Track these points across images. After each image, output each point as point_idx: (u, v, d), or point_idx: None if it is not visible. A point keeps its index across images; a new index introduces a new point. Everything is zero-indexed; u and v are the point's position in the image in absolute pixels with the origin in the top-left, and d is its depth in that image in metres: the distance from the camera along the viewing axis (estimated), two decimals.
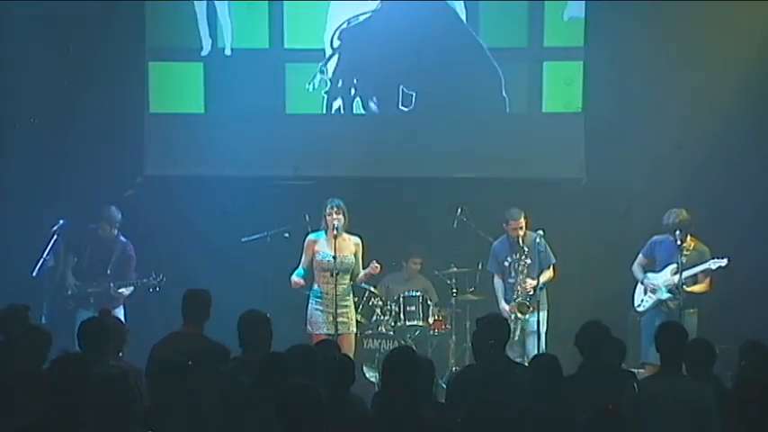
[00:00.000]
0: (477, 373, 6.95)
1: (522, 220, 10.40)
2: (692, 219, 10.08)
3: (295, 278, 9.93)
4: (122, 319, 9.56)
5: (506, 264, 10.50)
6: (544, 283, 10.42)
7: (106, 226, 10.47)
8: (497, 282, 10.59)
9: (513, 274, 10.47)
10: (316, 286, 9.98)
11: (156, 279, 10.36)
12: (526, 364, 8.09)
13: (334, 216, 9.85)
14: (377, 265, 10.02)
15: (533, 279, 10.32)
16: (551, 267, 10.51)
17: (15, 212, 11.28)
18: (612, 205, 11.62)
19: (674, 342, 6.47)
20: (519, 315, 10.29)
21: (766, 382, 5.54)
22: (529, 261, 10.39)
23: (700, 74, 11.38)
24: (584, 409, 5.70)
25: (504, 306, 10.39)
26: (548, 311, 10.44)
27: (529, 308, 10.29)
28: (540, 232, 10.30)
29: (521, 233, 10.39)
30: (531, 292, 10.31)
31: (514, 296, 10.40)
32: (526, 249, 10.38)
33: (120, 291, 10.36)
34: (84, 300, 10.32)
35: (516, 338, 10.08)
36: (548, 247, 10.46)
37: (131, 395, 5.37)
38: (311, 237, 10.05)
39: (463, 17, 11.84)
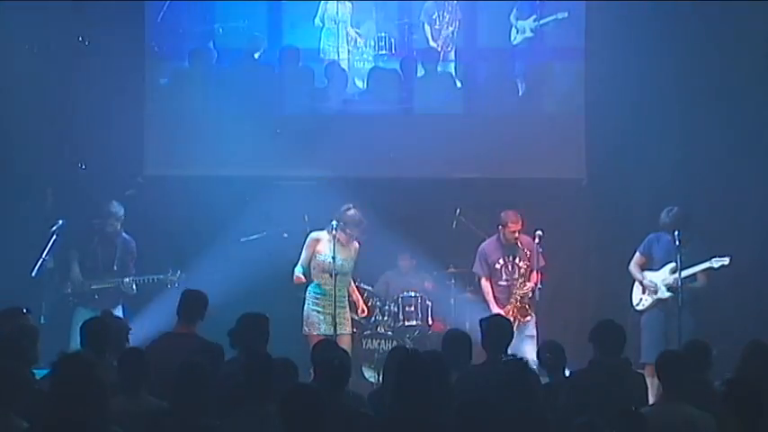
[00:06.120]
0: (481, 374, 6.95)
1: (520, 222, 10.34)
2: (689, 216, 10.05)
3: (298, 274, 9.99)
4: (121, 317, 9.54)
5: (498, 266, 10.39)
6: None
7: (113, 222, 10.44)
8: (486, 285, 10.45)
9: (504, 276, 10.38)
10: (312, 286, 10.00)
11: (175, 275, 10.34)
12: None
13: (357, 233, 9.98)
14: (365, 308, 10.54)
15: (529, 281, 10.25)
16: (538, 271, 10.41)
17: (15, 212, 11.28)
18: (612, 205, 11.61)
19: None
20: (521, 319, 10.20)
21: (758, 382, 5.57)
22: (522, 264, 10.35)
23: (700, 73, 11.37)
24: (594, 403, 5.75)
25: (498, 310, 10.14)
26: (535, 314, 10.40)
27: (528, 311, 10.24)
28: (540, 233, 10.25)
29: (518, 235, 10.34)
30: (530, 295, 10.25)
31: (511, 299, 10.27)
32: (520, 251, 10.34)
33: (133, 287, 10.33)
34: (87, 297, 10.29)
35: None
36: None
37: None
38: (314, 235, 10.09)
39: (459, 16, 11.88)
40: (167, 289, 10.26)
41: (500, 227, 10.38)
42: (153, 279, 10.37)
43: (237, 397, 5.97)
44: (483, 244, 10.53)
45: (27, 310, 7.65)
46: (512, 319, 10.12)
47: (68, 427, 5.01)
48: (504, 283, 10.37)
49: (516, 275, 10.29)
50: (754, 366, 6.50)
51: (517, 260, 10.32)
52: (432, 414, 5.74)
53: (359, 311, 10.51)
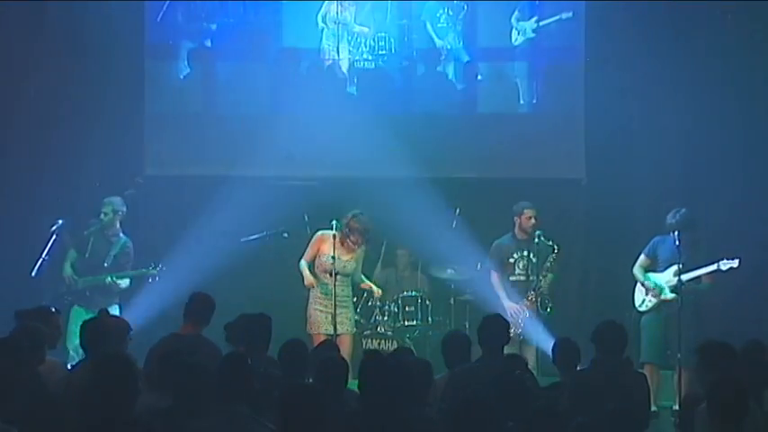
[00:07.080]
0: (480, 373, 6.95)
1: (534, 209, 10.34)
2: (695, 218, 10.03)
3: (308, 275, 9.97)
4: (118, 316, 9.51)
5: (512, 260, 10.41)
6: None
7: (108, 210, 10.42)
8: (496, 279, 10.47)
9: (516, 271, 10.39)
10: (316, 285, 10.01)
11: (155, 269, 10.31)
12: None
13: (362, 241, 9.98)
14: (379, 291, 10.38)
15: (543, 276, 10.26)
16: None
17: (15, 213, 11.28)
18: (612, 205, 11.61)
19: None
20: (541, 311, 10.18)
21: (741, 381, 5.57)
22: (535, 259, 10.35)
23: (700, 73, 11.37)
24: (595, 403, 5.75)
25: (511, 304, 10.23)
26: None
27: (548, 303, 10.24)
28: (539, 233, 10.24)
29: (534, 222, 10.30)
30: (548, 288, 10.27)
31: (529, 292, 10.27)
32: (534, 246, 10.28)
33: (118, 282, 10.28)
34: (81, 295, 10.27)
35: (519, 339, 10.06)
36: None
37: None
38: (321, 234, 10.10)
39: (462, 16, 11.89)
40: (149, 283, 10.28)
41: (515, 217, 10.38)
42: (132, 274, 10.35)
43: (211, 396, 5.93)
44: (498, 240, 10.53)
45: (56, 309, 7.66)
46: (526, 313, 10.14)
47: (112, 426, 5.00)
48: (516, 278, 10.38)
49: (530, 270, 10.29)
50: (749, 366, 6.48)
51: (531, 255, 10.31)
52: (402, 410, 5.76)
53: (375, 294, 10.49)
